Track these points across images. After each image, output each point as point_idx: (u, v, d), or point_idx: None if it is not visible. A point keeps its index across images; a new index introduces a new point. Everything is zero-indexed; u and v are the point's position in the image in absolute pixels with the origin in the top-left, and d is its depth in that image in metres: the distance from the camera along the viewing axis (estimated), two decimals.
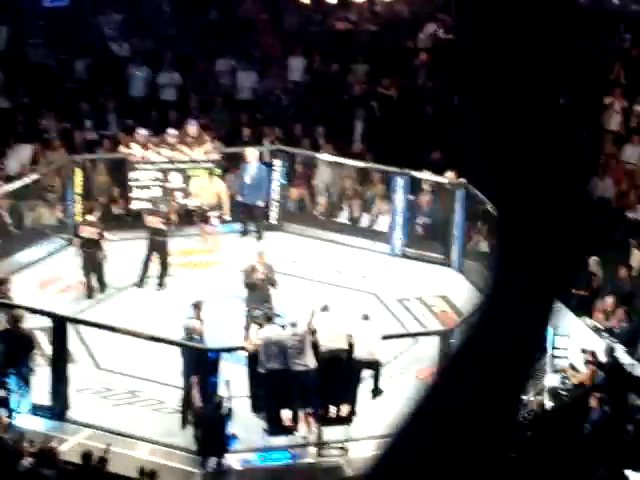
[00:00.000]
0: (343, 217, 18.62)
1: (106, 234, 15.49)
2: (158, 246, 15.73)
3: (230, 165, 18.39)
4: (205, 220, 16.83)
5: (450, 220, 16.92)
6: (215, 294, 15.15)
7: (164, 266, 15.82)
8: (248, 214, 17.67)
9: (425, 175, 17.44)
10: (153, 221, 15.77)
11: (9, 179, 17.75)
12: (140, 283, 15.82)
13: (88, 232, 15.32)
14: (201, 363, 12.22)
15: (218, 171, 17.42)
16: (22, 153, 18.69)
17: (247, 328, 13.46)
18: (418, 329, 15.04)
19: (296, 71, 21.71)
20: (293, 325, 12.44)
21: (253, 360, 12.21)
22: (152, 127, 18.82)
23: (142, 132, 17.49)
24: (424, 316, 15.55)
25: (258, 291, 14.01)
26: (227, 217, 17.03)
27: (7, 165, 18.60)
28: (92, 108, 20.49)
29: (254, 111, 20.82)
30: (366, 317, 12.89)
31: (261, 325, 12.91)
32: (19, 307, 13.13)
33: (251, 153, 17.52)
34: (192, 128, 17.66)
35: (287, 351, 12.18)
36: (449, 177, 16.99)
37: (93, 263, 15.37)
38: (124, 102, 20.81)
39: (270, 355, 12.14)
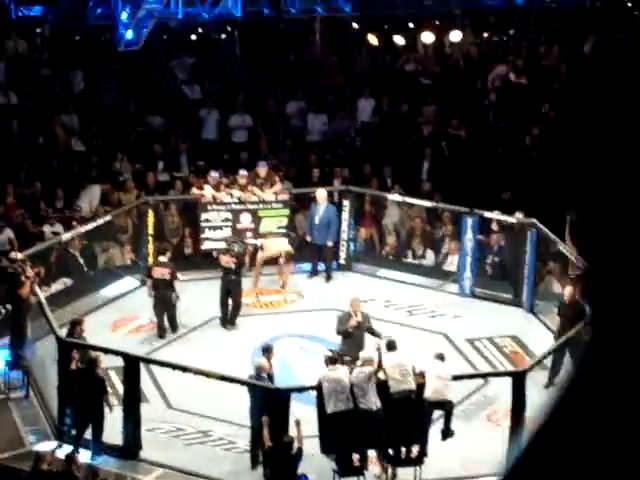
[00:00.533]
0: (412, 257, 18.62)
1: (178, 275, 15.64)
2: (232, 286, 15.85)
3: (300, 205, 18.52)
4: (275, 261, 16.91)
5: (520, 260, 16.84)
6: (285, 334, 15.21)
7: (236, 306, 15.93)
8: (317, 254, 17.75)
9: (495, 215, 17.40)
10: (227, 260, 15.90)
11: (82, 220, 18.05)
12: (223, 323, 15.94)
13: (160, 273, 15.49)
14: (271, 403, 12.25)
15: (284, 212, 17.60)
16: (92, 193, 19.00)
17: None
18: (488, 369, 14.94)
19: (365, 112, 21.84)
20: (363, 364, 12.44)
21: (321, 401, 12.22)
22: (223, 168, 19.05)
23: (214, 174, 17.69)
24: (494, 356, 15.45)
25: (351, 339, 13.96)
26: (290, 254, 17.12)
27: (81, 206, 18.94)
28: (164, 150, 20.80)
29: (324, 152, 20.98)
30: (440, 357, 12.85)
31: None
32: (92, 347, 13.30)
33: (320, 194, 17.63)
34: (262, 169, 17.83)
35: (355, 391, 12.18)
36: (518, 217, 16.91)
37: (165, 303, 15.52)
38: (196, 144, 21.09)
39: (338, 396, 12.14)
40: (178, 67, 22.52)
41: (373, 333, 14.05)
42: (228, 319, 15.91)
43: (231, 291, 15.87)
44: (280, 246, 17.00)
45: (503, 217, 17.26)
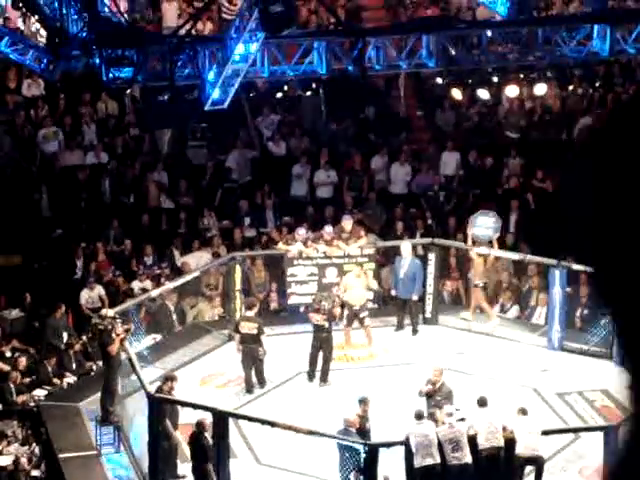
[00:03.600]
0: (499, 310, 18.50)
1: (265, 329, 15.73)
2: (323, 342, 15.88)
3: (384, 259, 18.56)
4: (356, 317, 16.85)
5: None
6: (371, 388, 15.18)
7: (327, 362, 15.94)
8: (402, 308, 17.73)
9: (583, 267, 17.21)
10: (317, 318, 15.95)
11: (172, 275, 18.29)
12: (310, 378, 15.97)
13: (247, 328, 15.60)
14: (359, 458, 12.22)
15: (369, 265, 17.61)
16: (202, 260, 19.19)
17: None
18: (579, 424, 14.73)
19: (449, 165, 21.88)
20: (449, 415, 12.37)
21: (410, 455, 12.15)
22: (308, 224, 19.22)
23: (302, 232, 17.81)
24: (585, 411, 15.24)
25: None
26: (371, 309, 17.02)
27: (178, 260, 19.19)
28: (250, 206, 21.04)
29: (408, 205, 21.03)
30: (523, 411, 12.72)
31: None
32: (182, 403, 13.42)
33: (405, 247, 17.65)
34: (348, 222, 17.92)
35: (446, 446, 12.10)
36: None
37: (252, 358, 15.60)
38: (282, 199, 21.30)
39: (426, 450, 12.07)
40: (264, 124, 22.82)
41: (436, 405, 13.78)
42: (320, 376, 15.91)
43: (322, 347, 15.89)
44: (360, 297, 16.93)
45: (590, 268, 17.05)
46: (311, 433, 12.74)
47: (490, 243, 17.79)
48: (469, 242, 17.90)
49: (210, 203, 21.06)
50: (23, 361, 16.48)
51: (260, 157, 22.30)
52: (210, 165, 22.01)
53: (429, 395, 13.80)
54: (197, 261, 19.16)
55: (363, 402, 13.00)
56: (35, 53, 17.55)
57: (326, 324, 15.91)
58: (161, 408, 13.17)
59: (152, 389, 13.42)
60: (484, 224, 18.12)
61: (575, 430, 14.31)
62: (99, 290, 18.34)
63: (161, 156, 22.04)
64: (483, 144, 22.38)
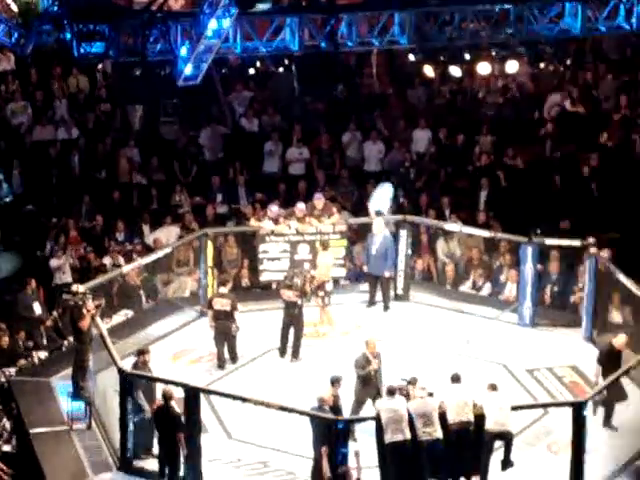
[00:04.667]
0: (470, 287, 18.63)
1: (238, 306, 15.77)
2: (294, 319, 15.95)
3: (357, 236, 18.63)
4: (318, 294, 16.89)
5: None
6: (343, 365, 15.26)
7: (298, 338, 16.02)
8: (374, 284, 17.80)
9: (556, 242, 17.32)
10: (289, 295, 16.00)
11: (143, 253, 18.30)
12: (281, 354, 16.04)
13: (221, 304, 15.64)
14: (330, 434, 12.30)
15: (341, 242, 17.69)
16: (171, 234, 19.23)
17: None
18: (548, 400, 14.88)
19: (421, 143, 21.95)
20: (430, 395, 12.46)
21: (380, 431, 12.24)
22: (280, 200, 19.25)
23: (275, 209, 17.83)
24: (554, 386, 15.38)
25: (369, 383, 13.89)
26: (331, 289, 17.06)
27: (148, 237, 19.22)
28: (223, 182, 21.04)
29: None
30: (493, 387, 12.83)
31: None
32: (153, 379, 13.44)
33: (377, 224, 17.71)
34: (319, 201, 17.95)
35: (415, 421, 12.19)
36: (604, 255, 16.71)
37: (225, 334, 15.65)
38: (254, 176, 21.32)
39: (396, 426, 12.16)
40: (236, 101, 22.80)
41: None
42: (292, 352, 15.98)
43: (293, 324, 15.97)
44: (326, 273, 16.96)
45: (563, 243, 17.16)
46: (282, 409, 12.80)
47: (379, 214, 17.91)
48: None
49: (182, 179, 21.04)
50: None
51: (232, 133, 22.28)
52: (182, 141, 21.99)
53: (367, 378, 13.80)
54: (167, 235, 19.18)
55: (336, 382, 13.07)
56: (6, 27, 17.45)
57: (298, 300, 15.98)
58: (134, 383, 13.19)
59: (123, 365, 13.44)
60: (380, 197, 18.29)
61: (544, 405, 14.45)
62: (67, 259, 18.34)
63: (133, 132, 21.99)
64: (454, 121, 22.45)
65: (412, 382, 12.92)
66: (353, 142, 22.02)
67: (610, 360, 14.12)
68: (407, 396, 12.61)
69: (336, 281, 18.17)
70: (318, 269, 16.86)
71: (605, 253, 16.83)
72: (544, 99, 22.55)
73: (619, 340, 14.27)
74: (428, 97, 23.35)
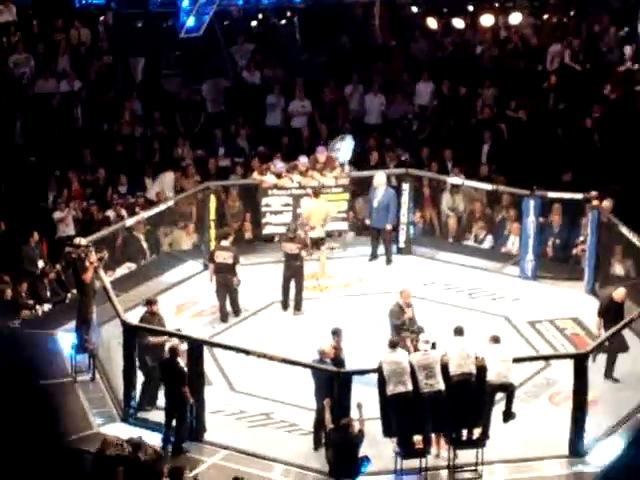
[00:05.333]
0: (472, 240, 18.65)
1: (240, 259, 15.80)
2: (295, 271, 15.98)
3: (359, 189, 18.61)
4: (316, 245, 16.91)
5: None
6: (346, 317, 15.33)
7: (300, 290, 16.05)
8: (376, 238, 17.82)
9: (558, 195, 17.31)
10: (291, 247, 16.02)
11: (146, 206, 18.31)
12: (283, 307, 16.09)
13: (222, 257, 15.66)
14: (333, 386, 12.37)
15: (344, 196, 17.70)
16: (165, 180, 19.27)
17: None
18: (550, 352, 14.95)
19: (424, 95, 21.87)
20: (425, 342, 12.51)
21: (383, 383, 12.31)
22: (283, 153, 19.22)
23: (279, 165, 17.78)
24: (556, 339, 15.45)
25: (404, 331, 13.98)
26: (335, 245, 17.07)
27: (149, 191, 19.23)
28: (225, 136, 20.99)
29: (382, 135, 21.04)
30: (496, 339, 12.88)
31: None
32: (157, 331, 13.50)
33: (378, 177, 17.68)
34: (321, 155, 17.92)
35: (418, 373, 12.26)
36: (606, 206, 16.69)
37: (227, 287, 15.69)
38: (256, 129, 21.26)
39: (398, 378, 12.22)
40: (238, 53, 22.69)
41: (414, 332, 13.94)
42: (294, 305, 16.03)
43: (295, 276, 16.00)
44: (324, 207, 16.95)
45: (567, 195, 17.15)
46: (285, 361, 12.87)
47: (342, 166, 17.86)
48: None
49: (186, 132, 20.99)
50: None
51: (234, 86, 22.20)
52: (184, 94, 21.92)
53: (401, 328, 13.91)
54: (162, 184, 19.15)
55: (336, 333, 13.13)
56: None
57: (300, 253, 16.01)
58: (138, 336, 13.25)
59: (127, 317, 13.49)
60: (343, 148, 18.25)
61: (545, 358, 14.51)
62: (70, 212, 18.36)
63: (135, 84, 21.91)
64: (457, 74, 22.35)
65: (417, 331, 12.99)
66: (355, 95, 21.94)
67: (611, 312, 14.19)
68: (397, 342, 12.68)
69: (339, 234, 18.22)
70: (310, 216, 16.78)
71: (608, 202, 16.82)
72: (547, 51, 22.43)
73: (619, 292, 14.32)
74: (431, 49, 23.23)
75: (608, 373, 14.09)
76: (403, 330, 13.94)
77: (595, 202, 16.56)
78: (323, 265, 16.96)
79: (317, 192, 17.11)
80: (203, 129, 21.35)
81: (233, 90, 22.08)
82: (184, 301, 16.38)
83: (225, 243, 15.96)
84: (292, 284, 16.03)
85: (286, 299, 16.08)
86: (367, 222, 17.90)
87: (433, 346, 12.60)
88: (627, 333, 14.29)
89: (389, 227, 17.66)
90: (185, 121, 21.47)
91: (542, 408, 13.55)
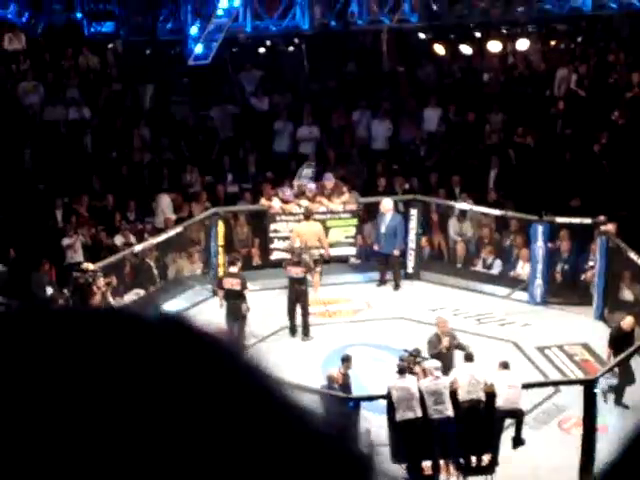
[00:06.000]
0: (480, 265, 18.64)
1: (248, 285, 15.79)
2: (300, 295, 15.99)
3: (367, 215, 18.64)
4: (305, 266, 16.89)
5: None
6: (354, 343, 15.31)
7: (306, 314, 16.05)
8: (385, 263, 17.83)
9: (567, 220, 17.31)
10: (297, 271, 16.03)
11: (154, 232, 18.34)
12: (292, 333, 16.08)
13: (230, 284, 15.66)
14: (341, 412, 12.34)
15: (352, 222, 17.73)
16: (162, 203, 19.28)
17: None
18: (559, 378, 14.91)
19: (431, 121, 21.90)
20: (436, 369, 12.50)
21: (391, 409, 12.29)
22: (291, 180, 19.25)
23: (288, 192, 17.80)
24: (565, 365, 15.42)
25: (442, 360, 13.89)
26: (327, 257, 17.07)
27: (156, 217, 19.26)
28: (233, 162, 21.05)
29: (389, 162, 21.07)
30: (505, 365, 12.87)
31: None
32: None
33: (386, 203, 17.72)
34: (329, 182, 17.96)
35: (428, 399, 12.24)
36: (609, 230, 16.71)
37: (235, 314, 15.66)
38: (264, 155, 21.31)
39: (407, 404, 12.21)
40: (246, 80, 22.77)
41: (461, 348, 13.87)
42: (302, 329, 16.01)
43: (299, 300, 16.00)
44: (315, 229, 16.97)
45: (575, 222, 17.16)
46: (294, 387, 12.83)
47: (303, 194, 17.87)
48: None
49: (194, 158, 21.05)
50: None
51: (242, 113, 22.27)
52: (192, 120, 21.98)
53: (439, 356, 13.80)
54: (161, 208, 19.13)
55: (346, 360, 13.12)
56: (17, 7, 17.44)
57: (305, 277, 16.01)
58: None
59: None
60: (308, 175, 18.31)
61: (555, 384, 14.49)
62: (79, 238, 18.38)
63: (144, 111, 22.00)
64: (465, 100, 22.40)
65: (414, 354, 12.99)
66: (362, 120, 21.99)
67: (620, 342, 14.14)
68: (410, 370, 12.65)
69: (347, 260, 18.24)
70: (301, 237, 16.78)
71: (611, 226, 16.80)
72: (554, 76, 22.48)
73: (627, 322, 14.30)
74: (438, 75, 23.29)
75: (618, 401, 14.04)
76: (442, 359, 13.71)
77: (603, 227, 16.56)
78: (316, 285, 16.93)
79: (307, 215, 17.17)
80: (213, 155, 21.41)
81: (241, 116, 22.14)
82: None
83: (233, 269, 15.97)
84: (298, 309, 16.03)
85: (293, 324, 16.07)
86: (375, 248, 17.91)
87: (437, 369, 12.56)
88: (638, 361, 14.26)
89: (397, 252, 17.66)
90: (194, 147, 21.53)
91: (551, 434, 13.51)
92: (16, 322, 0.96)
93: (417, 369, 13.16)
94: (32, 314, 0.97)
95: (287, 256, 17.18)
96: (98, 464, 0.87)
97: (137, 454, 0.88)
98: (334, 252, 17.59)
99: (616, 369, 13.76)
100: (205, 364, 0.97)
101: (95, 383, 0.90)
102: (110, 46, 22.14)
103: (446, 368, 13.54)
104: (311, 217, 17.17)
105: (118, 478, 0.87)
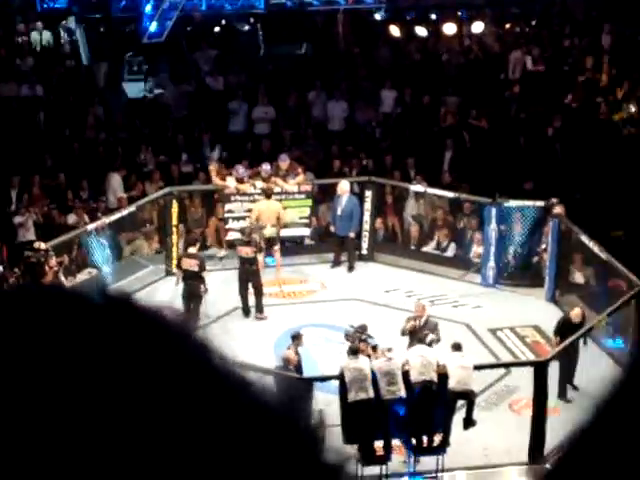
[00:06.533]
0: (433, 247, 18.70)
1: (206, 266, 15.71)
2: (251, 275, 15.95)
3: (322, 196, 18.63)
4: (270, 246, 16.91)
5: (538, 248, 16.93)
6: (308, 324, 15.33)
7: (259, 294, 16.02)
8: (340, 245, 17.85)
9: (520, 203, 17.42)
10: (247, 251, 16.00)
11: (107, 211, 18.22)
12: (245, 314, 16.04)
13: (189, 264, 15.59)
14: (294, 392, 12.35)
15: (306, 202, 17.72)
16: (112, 182, 19.14)
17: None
18: (510, 359, 15.02)
19: (387, 103, 21.92)
20: (388, 350, 12.55)
21: (344, 390, 12.32)
22: (246, 159, 19.20)
23: (241, 170, 17.76)
24: (516, 346, 15.53)
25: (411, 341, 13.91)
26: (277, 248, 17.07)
27: (107, 198, 19.13)
28: (188, 141, 20.94)
29: (345, 142, 21.07)
30: (457, 347, 12.94)
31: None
32: None
33: (343, 185, 17.73)
34: (283, 163, 17.93)
35: (379, 380, 12.29)
36: (558, 212, 16.80)
37: (192, 294, 15.57)
38: (219, 135, 21.22)
39: (359, 384, 12.25)
40: (202, 59, 22.66)
41: (419, 338, 13.81)
42: (255, 308, 15.98)
43: (251, 280, 15.96)
44: (275, 208, 16.98)
45: (526, 204, 17.27)
46: (247, 367, 12.82)
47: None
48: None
49: (148, 137, 20.91)
50: None
51: (197, 92, 22.16)
52: (147, 99, 21.85)
53: (412, 332, 13.87)
54: (112, 187, 18.99)
55: (296, 338, 13.13)
56: None
57: (255, 256, 15.98)
58: None
59: None
60: (215, 156, 18.32)
61: (506, 365, 14.59)
62: (31, 217, 18.22)
63: (97, 89, 21.82)
64: (421, 82, 22.43)
65: (360, 330, 13.03)
66: (318, 101, 21.97)
67: (566, 332, 14.21)
68: (358, 348, 12.69)
69: (301, 241, 18.24)
70: (259, 215, 16.77)
71: (560, 209, 16.90)
72: (508, 58, 22.57)
73: (574, 312, 14.40)
74: (394, 57, 23.30)
75: (569, 382, 14.11)
76: (411, 335, 13.84)
77: (556, 210, 16.67)
78: (278, 264, 16.93)
79: (268, 193, 17.14)
80: (166, 134, 21.28)
81: (196, 95, 22.03)
82: None
83: (192, 250, 15.90)
84: (250, 289, 15.99)
85: (246, 304, 16.02)
86: (332, 229, 17.92)
87: (389, 350, 12.62)
88: (589, 343, 14.39)
89: (352, 235, 17.68)
90: (148, 126, 21.38)
91: (502, 415, 13.62)
92: None
93: (362, 346, 13.18)
94: None
95: (239, 236, 17.15)
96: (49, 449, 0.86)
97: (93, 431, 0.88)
98: (289, 233, 17.58)
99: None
100: (153, 343, 0.96)
101: (37, 363, 0.89)
102: (63, 22, 21.94)
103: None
104: (271, 196, 17.15)
105: (68, 450, 0.86)
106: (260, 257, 16.44)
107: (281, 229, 17.04)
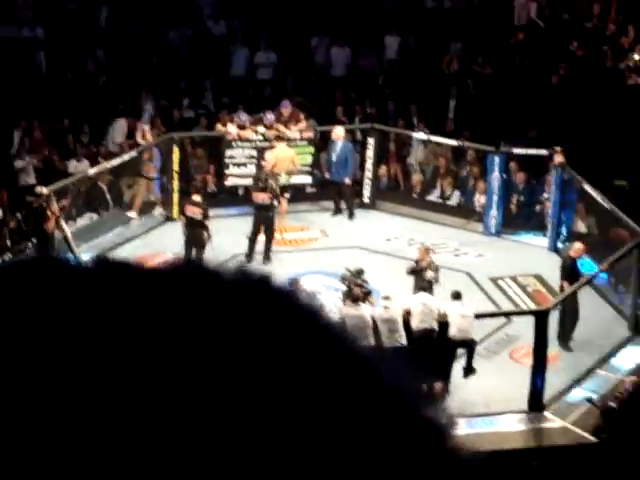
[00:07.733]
0: (436, 196, 18.62)
1: (209, 214, 15.63)
2: (265, 221, 15.85)
3: (324, 143, 18.52)
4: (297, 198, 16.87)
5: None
6: (309, 271, 15.30)
7: (270, 240, 15.93)
8: (337, 192, 17.75)
9: (524, 151, 17.30)
10: (263, 197, 15.88)
11: (109, 156, 18.11)
12: (249, 258, 15.98)
13: (192, 211, 15.52)
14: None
15: (309, 149, 17.62)
16: (117, 128, 19.01)
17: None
18: (511, 308, 15.01)
19: (391, 49, 21.72)
20: (386, 298, 12.53)
21: None
22: (248, 105, 19.04)
23: (243, 117, 17.63)
24: (517, 295, 15.51)
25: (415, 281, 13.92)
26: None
27: (108, 141, 19.01)
28: (189, 86, 20.77)
29: (348, 89, 20.89)
30: (457, 295, 12.92)
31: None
32: None
33: (338, 131, 17.62)
34: (285, 110, 17.80)
35: (380, 327, 12.28)
36: (560, 161, 16.68)
37: (195, 241, 15.50)
38: (221, 80, 21.05)
39: (360, 332, 12.24)
40: (203, 1, 22.40)
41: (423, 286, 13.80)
42: (263, 254, 15.86)
43: (265, 227, 15.85)
44: (289, 154, 16.91)
45: (530, 153, 17.16)
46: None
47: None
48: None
49: (150, 81, 20.73)
50: None
51: (199, 35, 21.94)
52: (148, 43, 21.63)
53: (415, 272, 13.88)
54: (117, 132, 18.86)
55: (293, 284, 13.09)
56: None
57: (270, 203, 15.88)
58: None
59: None
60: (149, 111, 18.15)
61: (507, 314, 14.58)
62: (32, 161, 18.12)
63: (99, 32, 21.60)
64: (425, 27, 22.20)
65: (356, 274, 13.04)
66: (321, 47, 21.76)
67: (572, 270, 14.20)
68: (358, 296, 12.69)
69: (303, 188, 18.15)
70: (277, 163, 16.67)
71: (559, 158, 16.78)
72: (513, 5, 22.32)
73: (574, 248, 14.36)
74: (399, 2, 23.04)
75: (567, 335, 14.06)
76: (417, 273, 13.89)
77: (559, 159, 16.56)
78: (283, 211, 16.85)
79: (286, 139, 17.03)
80: (167, 79, 21.09)
81: (197, 40, 21.81)
82: (147, 252, 16.25)
83: (197, 198, 15.82)
84: (261, 236, 15.89)
85: (252, 251, 15.92)
86: (327, 176, 17.80)
87: (386, 297, 12.61)
88: (589, 291, 14.37)
89: (348, 181, 17.58)
90: (149, 70, 21.18)
91: (503, 364, 13.62)
92: (96, 278, 0.87)
93: (357, 290, 13.11)
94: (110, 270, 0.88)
95: (243, 183, 17.07)
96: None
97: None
98: (291, 180, 17.47)
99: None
100: (301, 327, 0.87)
101: (184, 346, 0.81)
102: None
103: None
104: (283, 140, 17.04)
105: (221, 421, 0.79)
106: (284, 202, 16.44)
107: (294, 176, 16.93)
